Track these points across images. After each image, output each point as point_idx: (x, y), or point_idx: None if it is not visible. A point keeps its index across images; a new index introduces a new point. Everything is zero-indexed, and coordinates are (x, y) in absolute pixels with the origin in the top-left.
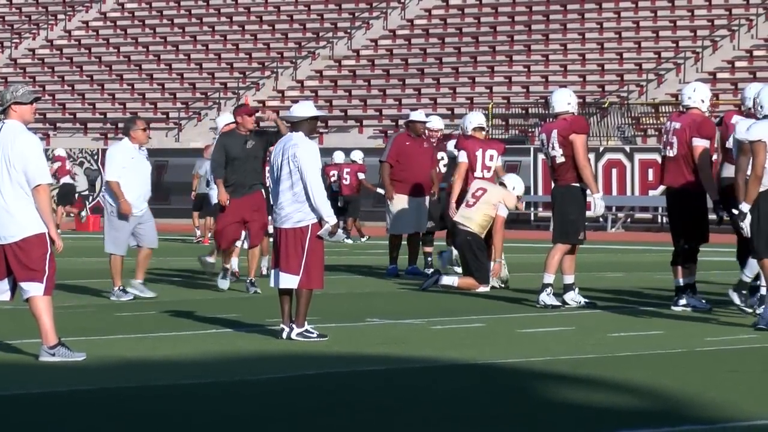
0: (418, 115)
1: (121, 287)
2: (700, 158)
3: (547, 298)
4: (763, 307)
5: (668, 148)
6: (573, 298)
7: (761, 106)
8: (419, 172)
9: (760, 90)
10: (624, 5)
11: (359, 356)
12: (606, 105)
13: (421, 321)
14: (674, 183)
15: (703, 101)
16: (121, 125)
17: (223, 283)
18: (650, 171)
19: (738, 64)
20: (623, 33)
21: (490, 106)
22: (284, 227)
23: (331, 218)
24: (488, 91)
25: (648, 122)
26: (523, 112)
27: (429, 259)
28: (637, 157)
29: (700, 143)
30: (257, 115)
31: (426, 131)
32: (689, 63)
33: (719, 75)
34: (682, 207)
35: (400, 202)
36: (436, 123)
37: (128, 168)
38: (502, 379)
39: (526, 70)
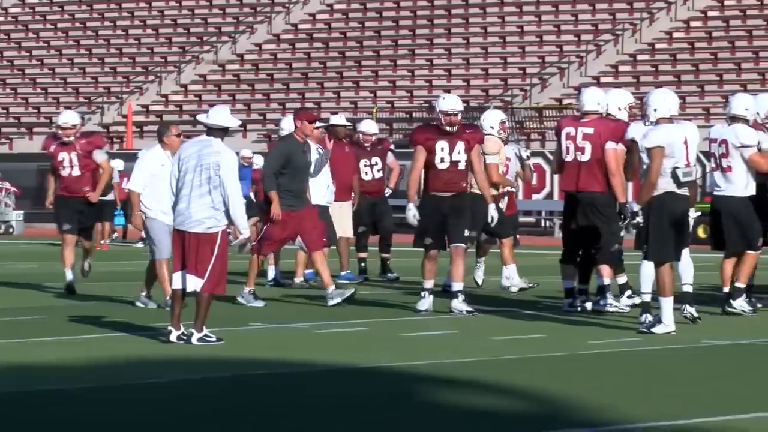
0: (338, 119)
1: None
2: (613, 162)
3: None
4: (645, 314)
5: (578, 152)
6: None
7: (655, 109)
8: (337, 176)
9: (650, 95)
10: (508, 10)
11: (244, 361)
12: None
13: (305, 325)
14: (586, 187)
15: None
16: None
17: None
18: (534, 175)
19: (622, 68)
20: (507, 38)
21: (374, 110)
22: (194, 231)
23: (246, 231)
24: (372, 95)
25: (532, 126)
26: (408, 116)
27: (362, 264)
28: None
29: (612, 147)
30: None
31: (353, 136)
32: (573, 67)
33: (603, 79)
34: (593, 211)
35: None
36: (370, 127)
37: (158, 176)
38: (386, 383)
39: (410, 74)
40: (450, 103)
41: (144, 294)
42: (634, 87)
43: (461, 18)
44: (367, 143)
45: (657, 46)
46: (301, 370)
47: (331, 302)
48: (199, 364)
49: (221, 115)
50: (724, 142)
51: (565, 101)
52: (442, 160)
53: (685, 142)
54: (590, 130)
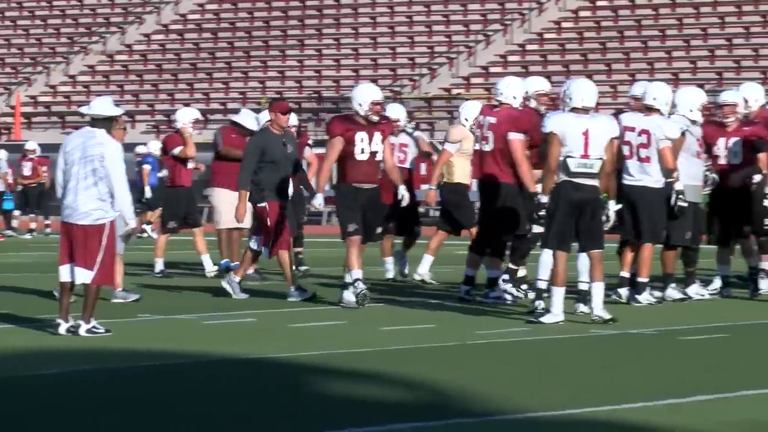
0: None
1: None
2: (517, 152)
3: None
4: (536, 301)
5: (483, 142)
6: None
7: (570, 98)
8: None
9: (570, 84)
10: (397, 0)
11: (132, 352)
12: None
13: (192, 316)
14: (489, 177)
15: (515, 97)
16: None
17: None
18: (422, 165)
19: (511, 58)
20: (396, 27)
21: (263, 101)
22: (82, 224)
23: (132, 221)
24: (261, 85)
25: (421, 116)
26: (297, 106)
27: (300, 257)
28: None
29: (515, 137)
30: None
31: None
32: (462, 57)
33: (492, 69)
34: (496, 200)
35: (222, 196)
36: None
37: None
38: (274, 373)
39: (299, 65)
40: (376, 92)
41: (120, 290)
42: (523, 77)
43: (350, 8)
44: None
45: (546, 35)
46: (190, 360)
47: (290, 299)
48: (88, 356)
49: (103, 106)
50: (646, 132)
51: (454, 91)
52: (362, 151)
53: (586, 134)
54: (494, 120)
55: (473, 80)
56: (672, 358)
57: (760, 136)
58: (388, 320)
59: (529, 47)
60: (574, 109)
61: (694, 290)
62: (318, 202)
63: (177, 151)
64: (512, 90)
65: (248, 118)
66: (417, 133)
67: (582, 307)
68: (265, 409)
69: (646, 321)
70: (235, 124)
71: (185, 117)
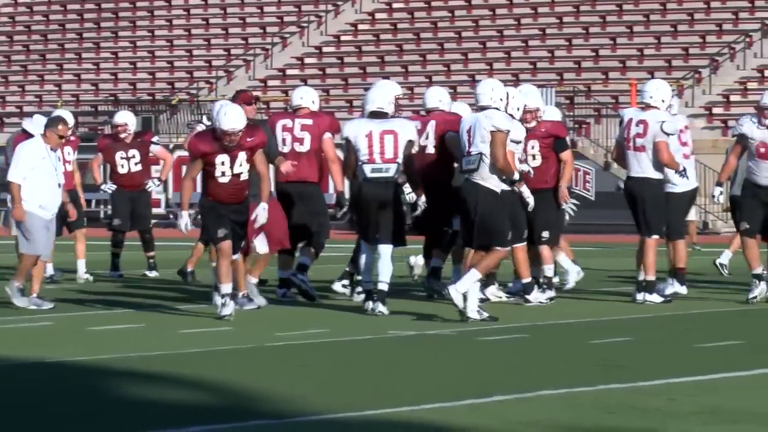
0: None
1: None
2: (330, 152)
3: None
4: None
5: (296, 143)
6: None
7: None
8: None
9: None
10: (193, 2)
11: None
12: (175, 102)
13: None
14: (299, 177)
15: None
16: None
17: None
18: None
19: (308, 60)
20: (193, 30)
21: (59, 104)
22: None
23: None
24: (57, 89)
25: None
26: (93, 109)
27: (116, 260)
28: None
29: (327, 137)
30: None
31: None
32: (259, 60)
33: (289, 72)
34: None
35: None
36: (124, 118)
37: (37, 168)
38: (70, 377)
39: (95, 67)
40: (231, 121)
41: (35, 295)
42: (320, 79)
43: (146, 10)
44: (123, 134)
45: (342, 38)
46: None
47: (247, 306)
48: None
49: None
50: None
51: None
52: (222, 174)
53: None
54: (309, 122)
55: (270, 83)
56: (471, 358)
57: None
58: (185, 323)
59: (325, 49)
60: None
61: (491, 291)
62: (184, 222)
63: None
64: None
65: (37, 125)
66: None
67: (381, 306)
68: (62, 412)
69: (446, 322)
70: (25, 131)
71: None
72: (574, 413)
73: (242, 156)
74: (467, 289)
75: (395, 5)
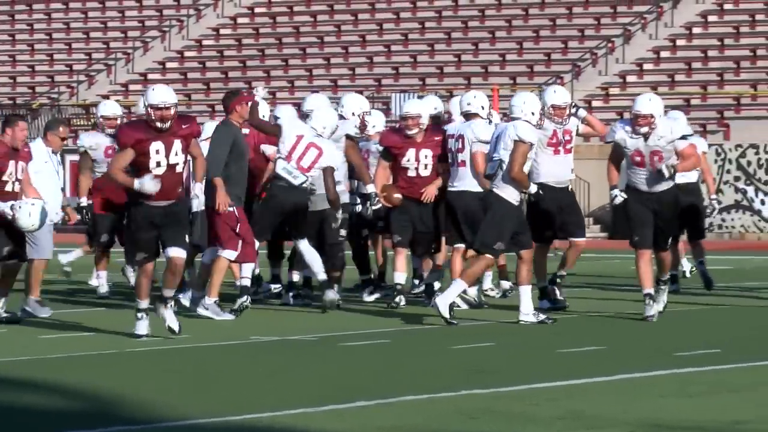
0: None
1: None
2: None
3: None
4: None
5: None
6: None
7: None
8: None
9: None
10: (54, 6)
11: None
12: (36, 106)
13: None
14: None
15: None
16: None
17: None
18: None
19: (169, 65)
20: (54, 34)
21: None
22: None
23: None
24: None
25: (79, 123)
26: None
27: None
28: (68, 158)
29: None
30: None
31: None
32: (120, 64)
33: (151, 76)
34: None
35: None
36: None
37: (41, 173)
38: None
39: None
40: (160, 95)
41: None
42: (182, 84)
43: (7, 15)
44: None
45: (204, 42)
46: None
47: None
48: None
49: None
50: (461, 137)
51: (113, 98)
52: (158, 164)
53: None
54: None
55: (132, 87)
56: (333, 364)
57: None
58: (47, 329)
59: (187, 54)
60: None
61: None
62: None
63: None
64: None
65: None
66: None
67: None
68: None
69: (308, 327)
70: None
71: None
72: (436, 419)
73: (177, 144)
74: (453, 300)
75: (258, 10)
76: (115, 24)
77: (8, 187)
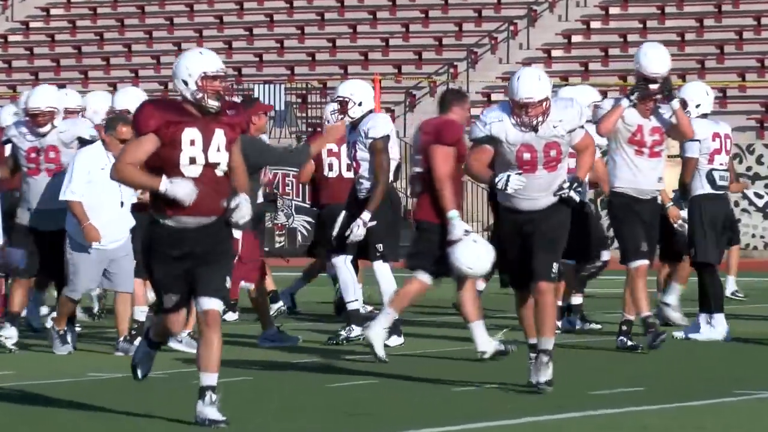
0: None
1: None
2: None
3: None
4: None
5: None
6: None
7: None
8: None
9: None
10: None
11: None
12: None
13: None
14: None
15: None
16: None
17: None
18: None
19: None
20: None
21: None
22: None
23: None
24: None
25: None
26: None
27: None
28: None
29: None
30: None
31: None
32: None
33: None
34: None
35: None
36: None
37: (94, 183)
38: None
39: None
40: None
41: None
42: (6, 74)
43: None
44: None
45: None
46: None
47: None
48: None
49: None
50: None
51: None
52: (191, 160)
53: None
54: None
55: None
56: (185, 404)
57: None
58: None
59: (12, 38)
60: None
61: None
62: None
63: None
64: None
65: None
66: None
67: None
68: None
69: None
70: None
71: None
72: None
73: (220, 135)
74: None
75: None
76: None
77: None
